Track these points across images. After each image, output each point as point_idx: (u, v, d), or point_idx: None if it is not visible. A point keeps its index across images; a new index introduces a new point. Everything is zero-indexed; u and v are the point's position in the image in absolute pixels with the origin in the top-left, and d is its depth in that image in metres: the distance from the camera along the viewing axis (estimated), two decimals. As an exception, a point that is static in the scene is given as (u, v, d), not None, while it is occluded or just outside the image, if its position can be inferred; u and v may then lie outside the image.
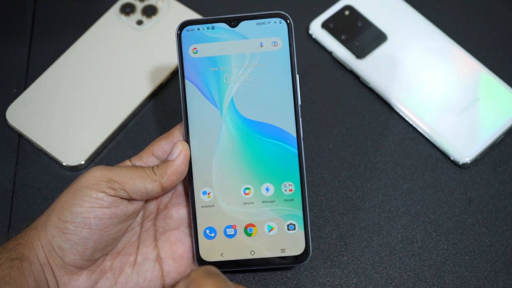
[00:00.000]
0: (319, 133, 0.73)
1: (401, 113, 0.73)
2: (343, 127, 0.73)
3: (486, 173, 0.71)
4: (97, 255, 0.61)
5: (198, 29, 0.63)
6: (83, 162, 0.71)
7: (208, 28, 0.63)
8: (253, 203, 0.63)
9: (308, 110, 0.74)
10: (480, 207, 0.70)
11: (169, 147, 0.64)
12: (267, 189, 0.63)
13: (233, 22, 0.63)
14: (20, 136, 0.73)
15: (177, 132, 0.65)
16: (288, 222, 0.64)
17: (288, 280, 0.67)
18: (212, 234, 0.63)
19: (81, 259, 0.60)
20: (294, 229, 0.63)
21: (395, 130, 0.73)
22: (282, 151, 0.64)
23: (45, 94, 0.74)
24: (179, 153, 0.62)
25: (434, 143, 0.72)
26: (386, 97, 0.74)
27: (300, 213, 0.64)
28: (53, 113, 0.73)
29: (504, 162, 0.72)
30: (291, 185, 0.64)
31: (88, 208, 0.59)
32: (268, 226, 0.63)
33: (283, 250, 0.63)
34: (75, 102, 0.74)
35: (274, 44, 0.63)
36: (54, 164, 0.72)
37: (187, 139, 0.63)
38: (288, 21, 0.63)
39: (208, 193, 0.63)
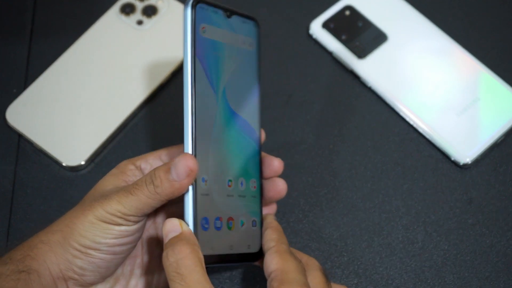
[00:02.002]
0: (319, 133, 0.73)
1: (401, 113, 0.73)
2: (343, 127, 0.73)
3: (487, 173, 0.71)
4: (114, 271, 0.61)
5: (207, 9, 0.61)
6: (83, 163, 0.71)
7: (213, 11, 0.62)
8: (233, 196, 0.62)
9: (308, 110, 0.74)
10: (481, 207, 0.70)
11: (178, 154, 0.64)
12: (241, 184, 0.63)
13: (228, 13, 0.63)
14: (20, 136, 0.73)
15: None
16: (253, 218, 0.63)
17: (289, 281, 0.67)
18: (206, 226, 0.60)
19: (101, 277, 0.60)
20: (256, 226, 0.63)
21: (395, 130, 0.73)
22: (250, 147, 0.64)
23: (45, 94, 0.74)
24: (185, 175, 0.58)
25: (435, 143, 0.72)
26: (387, 97, 0.74)
27: (259, 211, 0.64)
28: (53, 113, 0.73)
29: (504, 162, 0.72)
30: (254, 182, 0.64)
31: (113, 239, 0.59)
32: (241, 220, 0.63)
33: (249, 247, 0.63)
34: (75, 102, 0.74)
35: (250, 44, 0.64)
36: (54, 164, 0.72)
37: (192, 120, 0.60)
38: (259, 27, 0.64)
39: (206, 181, 0.60)
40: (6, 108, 0.73)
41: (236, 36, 0.63)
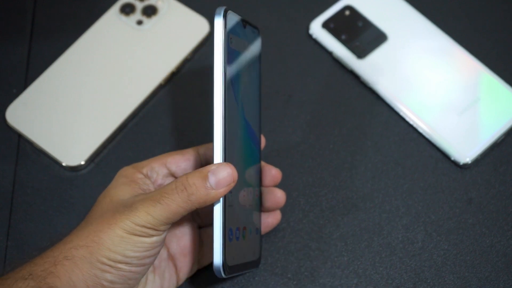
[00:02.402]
0: (319, 133, 0.73)
1: (401, 113, 0.73)
2: (343, 127, 0.73)
3: (487, 173, 0.71)
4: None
5: (232, 19, 0.60)
6: (83, 163, 0.71)
7: (236, 21, 0.60)
8: (245, 205, 0.63)
9: (308, 110, 0.74)
10: (481, 207, 0.70)
11: (187, 166, 0.63)
12: (250, 193, 0.63)
13: (244, 22, 0.62)
14: (19, 136, 0.73)
15: (192, 152, 0.64)
16: (256, 226, 0.64)
17: (289, 281, 0.67)
18: (231, 236, 0.60)
19: None
20: (257, 233, 0.64)
21: (395, 130, 0.73)
22: (256, 157, 0.64)
23: (45, 94, 0.74)
24: (226, 184, 0.58)
25: (435, 143, 0.72)
26: (387, 97, 0.74)
27: (260, 218, 0.65)
28: (53, 113, 0.73)
29: (505, 162, 0.72)
30: (257, 190, 0.65)
31: (143, 252, 0.57)
32: (250, 229, 0.63)
33: (254, 254, 0.64)
34: (75, 102, 0.74)
35: (256, 53, 0.64)
36: (54, 164, 0.72)
37: (224, 130, 0.58)
38: (260, 37, 0.65)
39: (231, 192, 0.60)
40: (6, 108, 0.73)
41: (249, 46, 0.63)
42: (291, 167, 0.71)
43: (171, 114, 0.74)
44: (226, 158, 0.58)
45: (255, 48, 0.64)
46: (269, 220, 0.66)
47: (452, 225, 0.69)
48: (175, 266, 0.64)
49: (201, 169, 0.58)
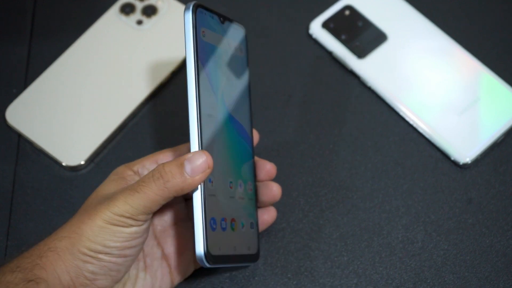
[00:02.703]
0: (319, 133, 0.73)
1: (401, 113, 0.73)
2: (343, 127, 0.73)
3: (487, 173, 0.71)
4: (124, 275, 0.61)
5: (205, 14, 0.62)
6: (83, 162, 0.71)
7: (210, 16, 0.62)
8: (234, 197, 0.63)
9: (308, 110, 0.74)
10: (481, 207, 0.70)
11: (175, 157, 0.64)
12: (240, 186, 0.64)
13: (221, 18, 0.63)
14: (19, 136, 0.73)
15: (184, 149, 0.64)
16: (251, 221, 0.64)
17: (288, 280, 0.67)
18: (214, 226, 0.60)
19: (113, 281, 0.60)
20: (253, 228, 0.64)
21: (395, 130, 0.73)
22: (246, 150, 0.65)
23: (45, 94, 0.74)
24: (201, 171, 0.59)
25: (435, 143, 0.72)
26: (386, 97, 0.74)
27: (255, 213, 0.65)
28: (53, 113, 0.73)
29: (504, 162, 0.71)
30: (251, 184, 0.65)
31: (123, 242, 0.58)
32: (242, 222, 0.63)
33: (249, 248, 0.64)
34: (75, 102, 0.74)
35: (241, 50, 0.65)
36: (54, 164, 0.72)
37: (198, 119, 0.60)
38: (246, 34, 0.65)
39: (212, 182, 0.61)
40: (6, 108, 0.73)
41: (229, 42, 0.64)
42: (291, 167, 0.71)
43: (171, 114, 0.74)
44: (202, 146, 0.59)
45: (235, 43, 0.65)
46: (265, 217, 0.67)
47: (452, 225, 0.69)
48: (169, 266, 0.64)
49: (178, 158, 0.59)
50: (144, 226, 0.59)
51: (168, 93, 0.75)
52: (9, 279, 0.57)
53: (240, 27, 0.66)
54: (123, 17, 0.77)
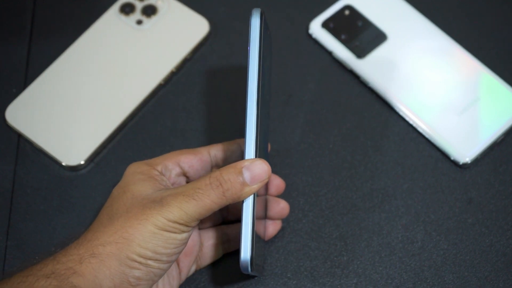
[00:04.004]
0: (319, 132, 0.73)
1: (401, 113, 0.73)
2: (343, 127, 0.73)
3: (487, 173, 0.71)
4: None
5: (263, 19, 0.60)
6: (82, 162, 0.71)
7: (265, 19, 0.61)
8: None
9: (308, 110, 0.74)
10: (481, 207, 0.70)
11: (199, 166, 0.63)
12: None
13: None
14: (19, 136, 0.73)
15: (205, 152, 0.64)
16: (262, 232, 0.64)
17: (288, 280, 0.67)
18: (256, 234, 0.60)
19: (152, 286, 0.58)
20: (261, 239, 0.64)
21: (395, 130, 0.73)
22: (267, 158, 0.64)
23: (44, 94, 0.74)
24: (260, 181, 0.58)
25: (434, 143, 0.72)
26: (386, 97, 0.74)
27: (264, 225, 0.66)
28: (53, 113, 0.73)
29: (504, 162, 0.71)
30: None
31: (174, 249, 0.57)
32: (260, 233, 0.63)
33: (262, 260, 0.64)
34: (75, 102, 0.74)
35: (270, 51, 0.65)
36: (54, 164, 0.72)
37: (257, 127, 0.58)
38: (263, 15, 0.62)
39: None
40: (6, 108, 0.73)
41: (269, 44, 0.63)
42: (291, 167, 0.71)
43: (171, 114, 0.74)
44: (258, 153, 0.58)
45: (270, 45, 0.65)
46: (270, 230, 0.67)
47: (452, 224, 0.69)
48: (179, 265, 0.64)
49: (233, 164, 0.57)
50: (192, 232, 0.58)
51: (167, 93, 0.75)
52: (43, 284, 0.54)
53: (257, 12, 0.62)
54: (123, 17, 0.77)
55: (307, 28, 0.77)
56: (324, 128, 0.73)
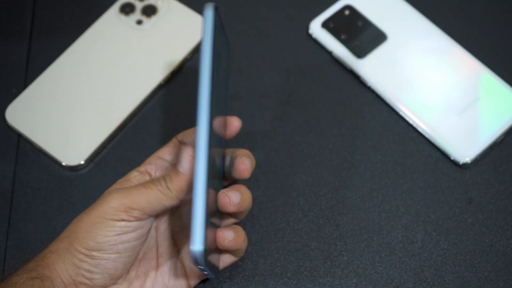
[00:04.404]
0: (319, 133, 0.73)
1: (401, 113, 0.73)
2: (343, 127, 0.73)
3: (487, 173, 0.71)
4: (125, 272, 0.62)
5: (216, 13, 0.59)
6: (82, 162, 0.71)
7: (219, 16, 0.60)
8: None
9: (308, 109, 0.74)
10: (481, 207, 0.70)
11: (176, 151, 0.64)
12: (218, 183, 0.64)
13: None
14: (19, 136, 0.73)
15: (175, 140, 0.65)
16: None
17: (288, 280, 0.67)
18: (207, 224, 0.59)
19: (111, 279, 0.60)
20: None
21: (395, 130, 0.73)
22: (222, 143, 0.65)
23: (44, 94, 0.74)
24: (189, 164, 0.60)
25: (434, 143, 0.72)
26: (386, 97, 0.74)
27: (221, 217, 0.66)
28: (53, 113, 0.73)
29: (504, 162, 0.71)
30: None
31: (114, 236, 0.59)
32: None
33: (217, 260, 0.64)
34: (75, 102, 0.74)
35: (225, 33, 0.64)
36: (54, 164, 0.72)
37: (209, 119, 0.58)
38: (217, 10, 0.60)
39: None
40: (6, 108, 0.73)
41: (220, 30, 0.62)
42: (290, 166, 0.71)
43: (171, 113, 0.74)
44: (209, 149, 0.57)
45: (222, 28, 0.62)
46: (225, 259, 0.65)
47: (452, 224, 0.69)
48: (184, 266, 0.64)
49: (177, 175, 0.60)
50: (135, 223, 0.59)
51: (167, 93, 0.75)
52: (15, 280, 0.58)
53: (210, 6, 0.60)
54: (122, 17, 0.77)
55: (307, 28, 0.77)
56: (324, 128, 0.73)
